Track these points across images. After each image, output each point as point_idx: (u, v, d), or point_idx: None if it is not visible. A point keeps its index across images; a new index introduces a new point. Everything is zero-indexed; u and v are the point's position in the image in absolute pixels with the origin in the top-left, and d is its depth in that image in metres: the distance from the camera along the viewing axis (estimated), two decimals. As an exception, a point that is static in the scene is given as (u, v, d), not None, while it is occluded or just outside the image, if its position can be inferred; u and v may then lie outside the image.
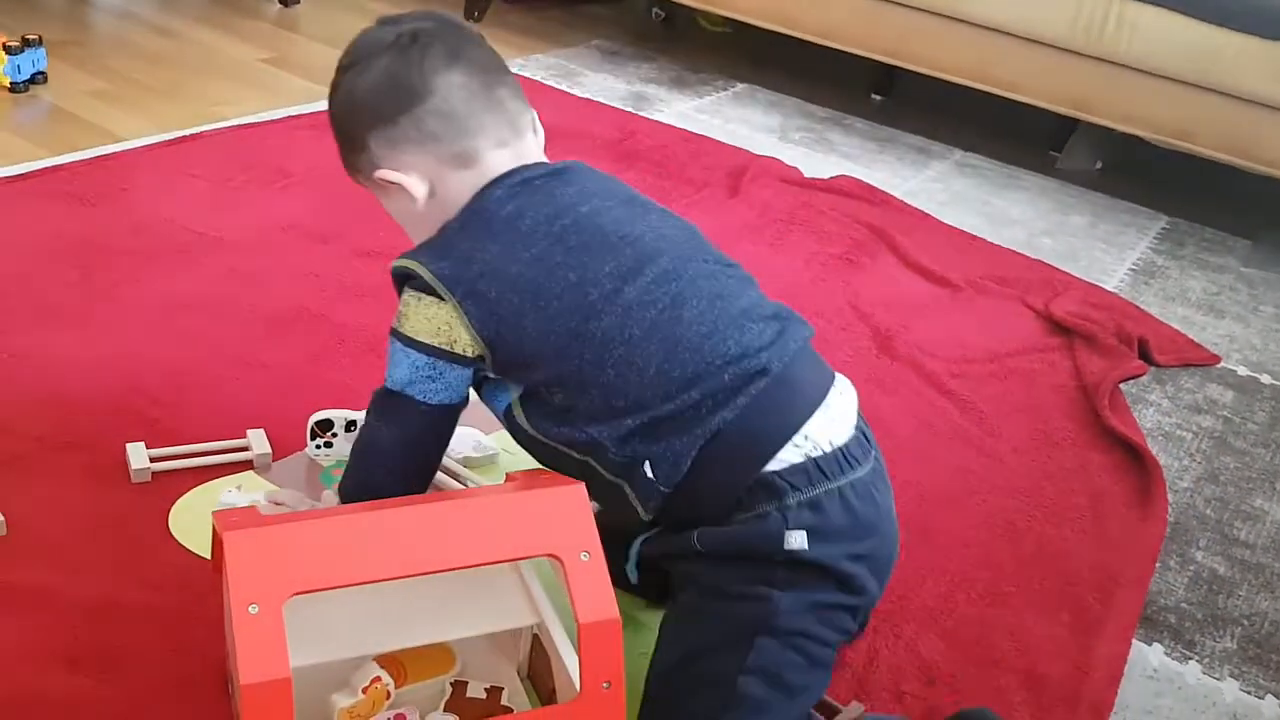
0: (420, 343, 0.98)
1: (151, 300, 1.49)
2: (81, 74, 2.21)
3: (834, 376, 1.02)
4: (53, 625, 0.99)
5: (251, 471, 1.22)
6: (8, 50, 2.04)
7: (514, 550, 0.85)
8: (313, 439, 1.25)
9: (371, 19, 1.07)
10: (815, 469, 0.95)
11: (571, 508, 0.86)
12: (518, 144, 1.04)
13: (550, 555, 0.84)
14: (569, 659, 0.90)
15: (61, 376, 1.31)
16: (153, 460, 1.19)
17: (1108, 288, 1.98)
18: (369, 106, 1.02)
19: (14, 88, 2.06)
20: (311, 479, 1.23)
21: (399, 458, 1.02)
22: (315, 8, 2.81)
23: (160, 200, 1.75)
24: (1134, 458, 1.48)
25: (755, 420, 0.95)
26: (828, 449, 0.96)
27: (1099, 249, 2.16)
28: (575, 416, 0.96)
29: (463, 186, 1.02)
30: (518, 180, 1.02)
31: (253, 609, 0.73)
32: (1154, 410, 1.63)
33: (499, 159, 1.03)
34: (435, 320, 0.97)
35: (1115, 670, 1.14)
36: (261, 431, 1.25)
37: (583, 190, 1.03)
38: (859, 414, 1.02)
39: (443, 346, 0.98)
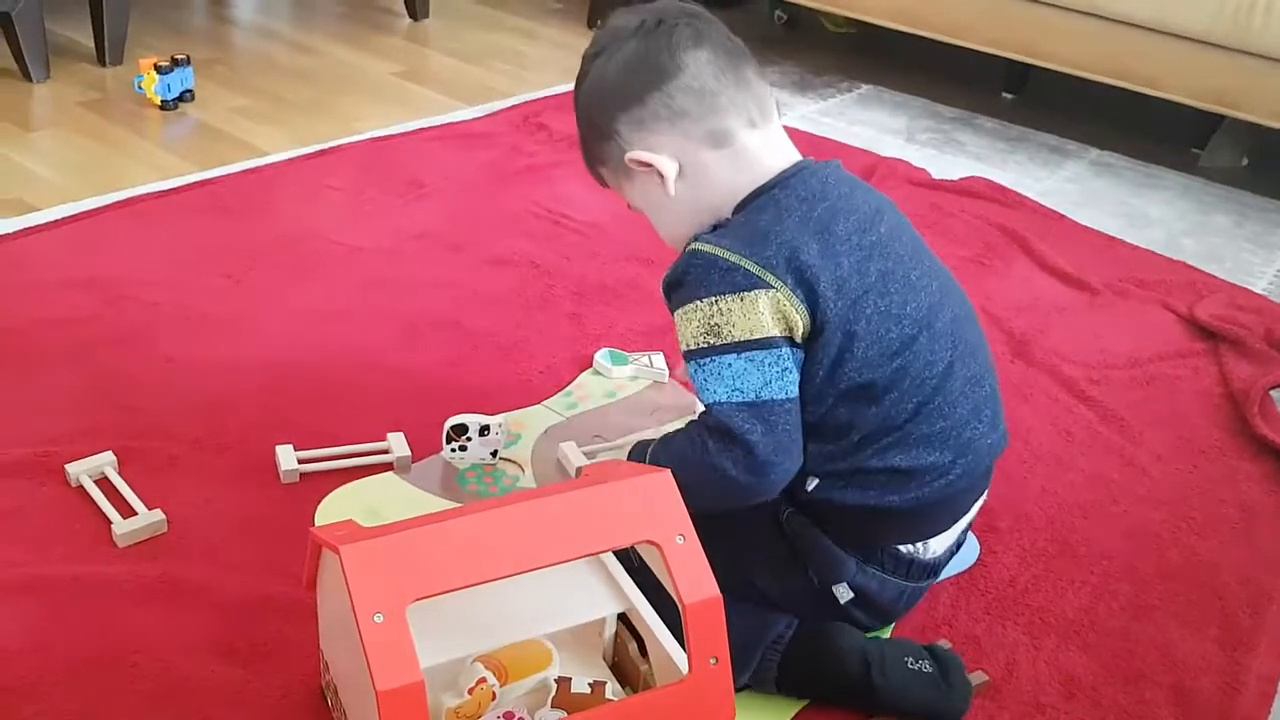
0: (761, 340, 0.94)
1: (295, 308, 1.55)
2: (227, 91, 2.31)
3: (986, 491, 1.09)
4: (209, 618, 1.04)
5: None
6: (159, 70, 2.14)
7: (613, 540, 0.86)
8: (448, 442, 1.28)
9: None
10: (908, 566, 1.04)
11: (661, 494, 0.87)
12: (766, 126, 1.03)
13: (648, 542, 0.85)
14: (666, 640, 0.91)
15: (214, 381, 1.38)
16: (300, 462, 1.23)
17: (1255, 290, 1.90)
18: (618, 88, 1.02)
19: (164, 105, 2.16)
20: (447, 481, 1.27)
21: (754, 472, 0.96)
22: (444, 22, 2.88)
23: (302, 212, 1.82)
24: (1287, 467, 1.42)
25: (912, 516, 1.01)
26: (928, 557, 1.05)
27: (1245, 250, 2.07)
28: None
29: (718, 167, 1.02)
30: (815, 180, 1.01)
31: (378, 618, 0.75)
32: (1308, 418, 1.56)
33: (751, 139, 1.02)
34: (769, 311, 0.94)
35: (1268, 688, 1.10)
36: (401, 434, 1.29)
37: (870, 204, 1.03)
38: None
39: (784, 335, 0.95)
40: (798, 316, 0.95)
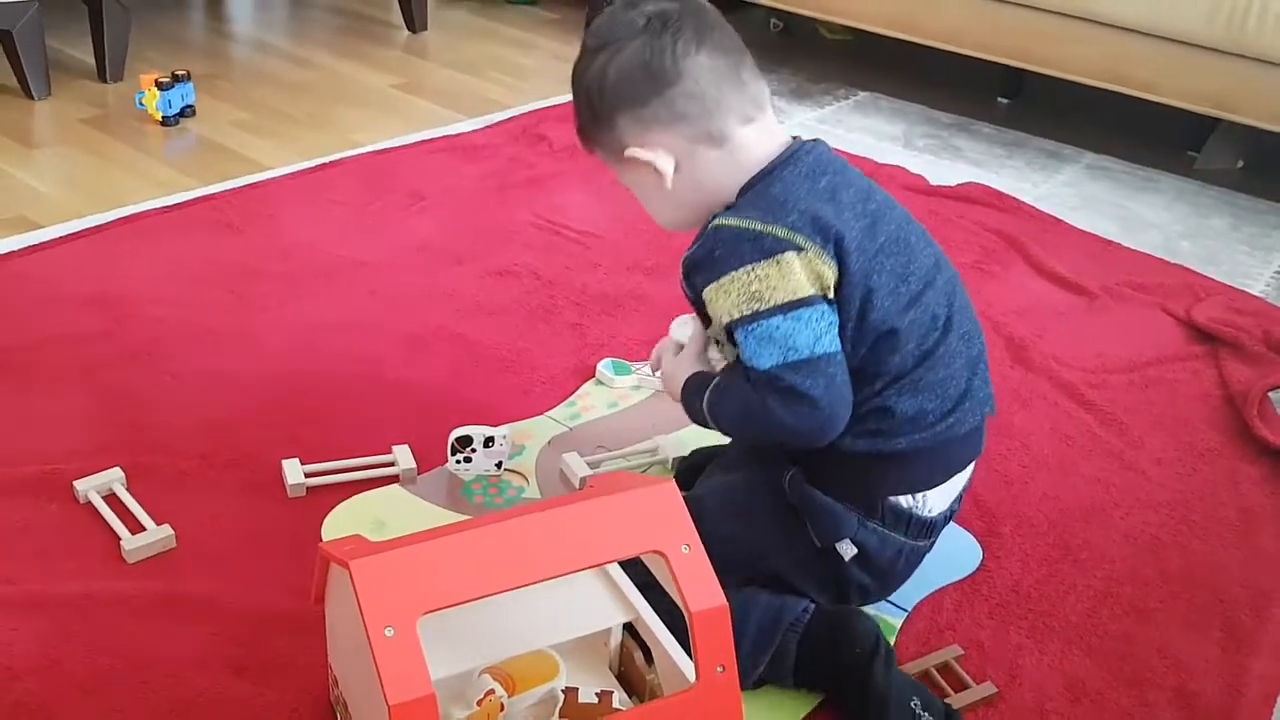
0: (803, 299, 0.97)
1: (299, 322, 1.56)
2: (227, 106, 2.32)
3: (979, 452, 1.12)
4: (219, 633, 1.05)
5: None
6: (159, 86, 2.15)
7: (620, 550, 0.87)
8: (453, 454, 1.29)
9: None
10: (907, 521, 1.08)
11: (666, 504, 0.88)
12: (762, 119, 1.07)
13: (654, 551, 0.86)
14: (673, 649, 0.92)
15: (219, 396, 1.39)
16: (307, 475, 1.24)
17: (1253, 292, 1.91)
18: (621, 88, 1.04)
19: (165, 121, 2.18)
20: (453, 493, 1.27)
21: (821, 425, 0.99)
22: (442, 34, 2.89)
23: (304, 225, 1.83)
24: (1286, 469, 1.43)
25: (913, 461, 1.05)
26: (925, 514, 1.09)
27: (1242, 252, 2.08)
28: None
29: (715, 163, 1.05)
30: (811, 158, 1.05)
31: (388, 631, 0.76)
32: (1307, 419, 1.57)
33: (746, 135, 1.05)
34: (806, 271, 0.98)
35: (1270, 689, 1.11)
36: (406, 447, 1.30)
37: (862, 179, 1.08)
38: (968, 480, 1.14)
39: (821, 294, 0.99)
40: (829, 272, 0.99)
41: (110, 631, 1.04)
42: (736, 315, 0.99)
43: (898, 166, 2.24)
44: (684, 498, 1.07)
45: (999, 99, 2.79)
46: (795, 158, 1.05)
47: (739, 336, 1.00)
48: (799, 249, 0.98)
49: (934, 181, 2.20)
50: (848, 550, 1.06)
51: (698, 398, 1.07)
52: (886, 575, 1.10)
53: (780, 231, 0.98)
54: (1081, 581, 1.22)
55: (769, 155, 1.06)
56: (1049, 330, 1.71)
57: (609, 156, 1.10)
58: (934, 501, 1.09)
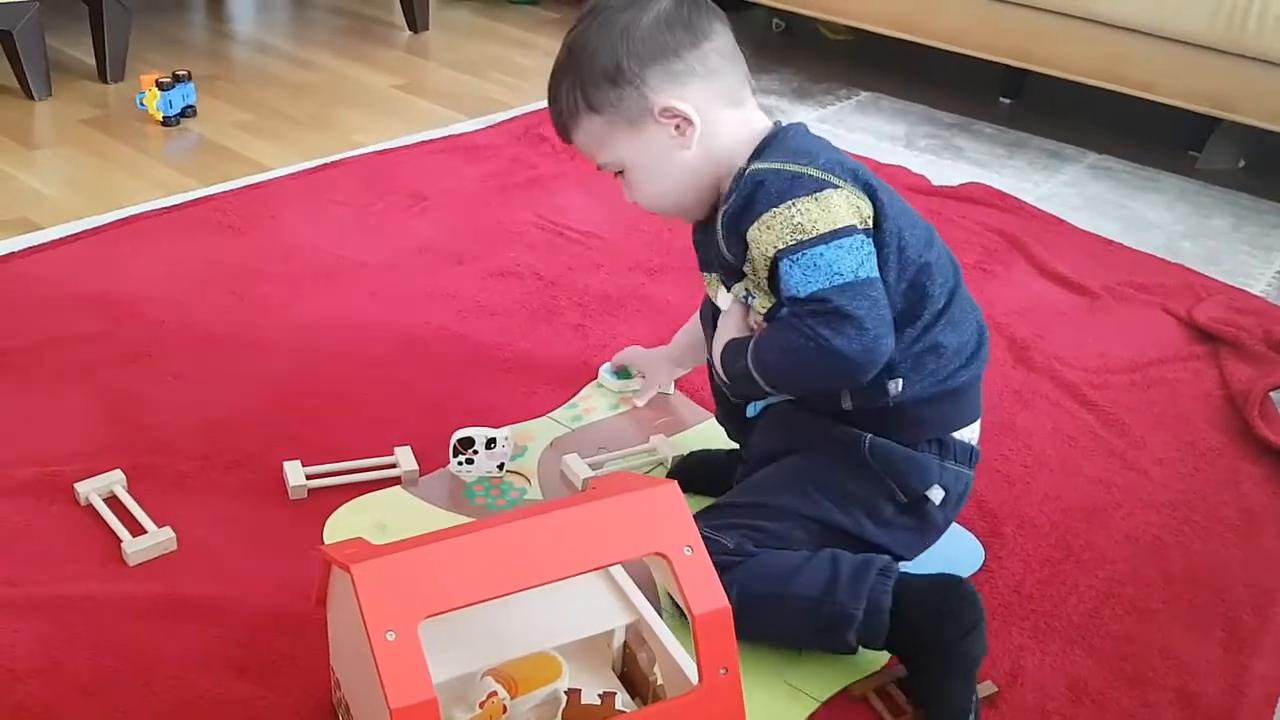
0: (844, 228, 1.01)
1: (301, 323, 1.56)
2: (228, 107, 2.32)
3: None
4: (220, 635, 1.05)
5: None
6: (160, 86, 2.15)
7: (623, 553, 0.87)
8: (455, 456, 1.29)
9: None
10: (970, 456, 1.14)
11: (668, 506, 0.88)
12: (754, 96, 1.13)
13: (656, 554, 0.86)
14: (676, 651, 0.92)
15: (221, 398, 1.39)
16: (308, 477, 1.24)
17: (1254, 292, 1.91)
18: (655, 41, 1.06)
19: (166, 121, 2.18)
20: (455, 494, 1.27)
21: (867, 348, 1.00)
22: (443, 34, 2.89)
23: (305, 226, 1.83)
24: (1288, 469, 1.42)
25: (966, 395, 1.12)
26: (975, 444, 1.15)
27: (1243, 252, 2.08)
28: None
29: (731, 126, 1.09)
30: (800, 128, 1.11)
31: (390, 635, 0.76)
32: (1308, 419, 1.57)
33: (752, 103, 1.12)
34: (845, 204, 1.02)
35: (1272, 689, 1.11)
36: (408, 449, 1.30)
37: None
38: None
39: (861, 225, 1.03)
40: (865, 206, 1.04)
41: (112, 633, 1.04)
42: (781, 246, 1.01)
43: (899, 167, 2.23)
44: (735, 492, 1.14)
45: (1000, 99, 2.79)
46: (786, 129, 1.10)
47: (783, 267, 1.01)
48: (835, 186, 1.02)
49: (936, 182, 2.20)
50: (938, 495, 1.11)
51: (741, 355, 1.07)
52: (953, 512, 1.15)
53: (815, 172, 1.02)
54: (1083, 582, 1.22)
55: (764, 129, 1.10)
56: (1051, 330, 1.71)
57: (613, 126, 1.09)
58: (976, 432, 1.15)
